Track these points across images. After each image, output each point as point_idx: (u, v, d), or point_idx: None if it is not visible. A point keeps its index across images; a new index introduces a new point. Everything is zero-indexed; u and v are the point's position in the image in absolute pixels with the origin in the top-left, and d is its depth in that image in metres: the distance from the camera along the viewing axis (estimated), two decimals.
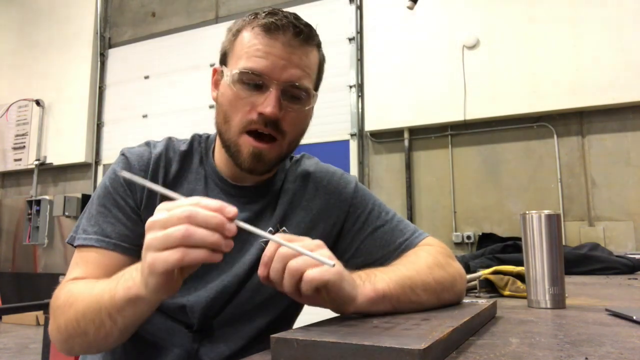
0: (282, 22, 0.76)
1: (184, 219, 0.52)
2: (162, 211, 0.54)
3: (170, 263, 0.52)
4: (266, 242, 0.85)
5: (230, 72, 0.78)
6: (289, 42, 0.77)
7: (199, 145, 0.90)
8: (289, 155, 0.88)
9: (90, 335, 0.66)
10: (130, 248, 0.78)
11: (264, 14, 0.79)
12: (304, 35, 0.78)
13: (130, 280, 0.60)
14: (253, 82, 0.77)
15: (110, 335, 0.65)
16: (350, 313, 0.62)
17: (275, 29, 0.76)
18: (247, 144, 0.78)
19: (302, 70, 0.78)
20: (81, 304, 0.66)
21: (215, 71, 0.86)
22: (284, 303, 0.87)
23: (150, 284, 0.55)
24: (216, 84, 0.86)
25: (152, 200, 0.83)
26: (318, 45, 0.84)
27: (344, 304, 0.61)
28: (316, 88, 0.86)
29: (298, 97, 0.79)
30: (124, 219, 0.80)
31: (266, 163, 0.79)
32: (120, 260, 0.77)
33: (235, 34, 0.82)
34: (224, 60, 0.83)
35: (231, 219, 0.54)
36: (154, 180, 0.83)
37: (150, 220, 0.54)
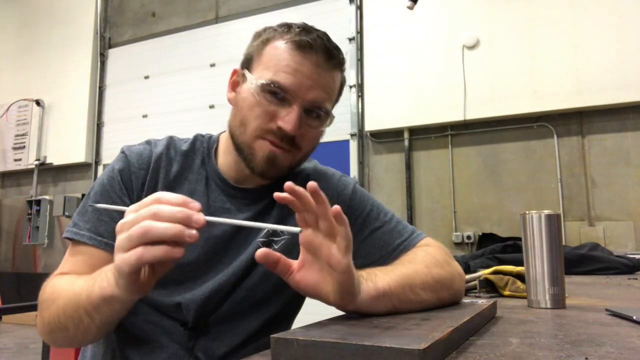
0: (315, 43, 0.78)
1: (149, 217, 0.52)
2: (130, 213, 0.55)
3: (132, 263, 0.52)
4: (263, 242, 0.86)
5: (255, 81, 0.78)
6: (319, 63, 0.78)
7: (201, 145, 0.90)
8: (299, 166, 0.89)
9: (70, 331, 0.68)
10: None
11: (298, 30, 0.80)
12: (335, 60, 0.80)
13: (105, 280, 0.60)
14: (277, 95, 0.78)
15: (88, 331, 0.67)
16: (351, 310, 0.62)
17: (308, 48, 0.78)
18: (264, 147, 0.79)
19: (326, 92, 0.80)
20: (62, 300, 0.68)
21: (235, 72, 0.86)
22: (280, 303, 0.88)
23: (121, 284, 0.56)
24: (234, 86, 0.86)
25: None
26: (342, 68, 0.85)
27: (347, 297, 0.60)
28: (332, 108, 0.87)
29: (318, 116, 0.81)
30: (117, 217, 0.79)
31: (279, 168, 0.81)
32: (110, 259, 0.77)
33: (264, 42, 0.82)
34: (247, 64, 0.84)
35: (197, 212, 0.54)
36: (154, 179, 0.84)
37: (120, 222, 0.55)
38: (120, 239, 0.54)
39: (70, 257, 0.79)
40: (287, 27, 0.81)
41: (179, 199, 0.54)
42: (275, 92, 0.77)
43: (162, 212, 0.52)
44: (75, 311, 0.65)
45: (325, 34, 0.81)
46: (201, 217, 0.53)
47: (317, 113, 0.81)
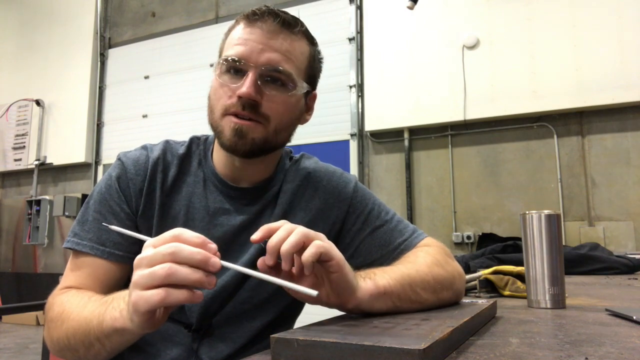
0: (261, 12, 0.78)
1: (168, 255, 0.52)
2: (148, 248, 0.54)
3: (152, 303, 0.52)
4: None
5: (215, 65, 0.80)
6: (268, 28, 0.78)
7: (197, 147, 0.90)
8: (280, 147, 0.87)
9: (81, 353, 0.68)
10: (124, 256, 0.79)
11: (250, 10, 0.80)
12: (283, 20, 0.78)
13: (117, 311, 0.60)
14: (233, 68, 0.78)
15: (99, 354, 0.66)
16: (351, 309, 0.62)
17: (255, 19, 0.78)
18: (229, 121, 0.78)
19: (282, 54, 0.78)
20: (72, 323, 0.68)
21: None
22: (283, 303, 0.88)
23: (135, 320, 0.55)
24: None
25: (149, 208, 0.83)
26: (308, 38, 0.84)
27: (344, 295, 0.60)
28: (311, 83, 0.85)
29: (283, 83, 0.79)
30: (120, 226, 0.79)
31: (248, 141, 0.78)
32: (113, 268, 0.78)
33: (226, 34, 0.84)
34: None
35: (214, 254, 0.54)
36: (152, 184, 0.84)
37: (137, 257, 0.54)
38: (140, 275, 0.53)
39: (74, 268, 0.79)
40: (242, 13, 0.82)
41: (198, 239, 0.54)
42: (232, 69, 0.78)
43: (183, 253, 0.52)
44: (85, 337, 0.65)
45: (280, 10, 0.81)
46: (217, 262, 0.53)
47: (281, 80, 0.79)
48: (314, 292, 0.53)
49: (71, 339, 0.67)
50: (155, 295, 0.51)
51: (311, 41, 0.84)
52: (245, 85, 0.75)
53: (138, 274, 0.53)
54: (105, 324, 0.61)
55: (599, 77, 3.50)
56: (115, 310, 0.60)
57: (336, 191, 0.91)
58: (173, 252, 0.52)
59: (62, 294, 0.75)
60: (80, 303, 0.70)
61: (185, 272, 0.51)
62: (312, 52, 0.84)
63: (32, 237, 5.54)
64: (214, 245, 0.55)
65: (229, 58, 0.77)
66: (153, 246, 0.54)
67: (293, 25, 0.80)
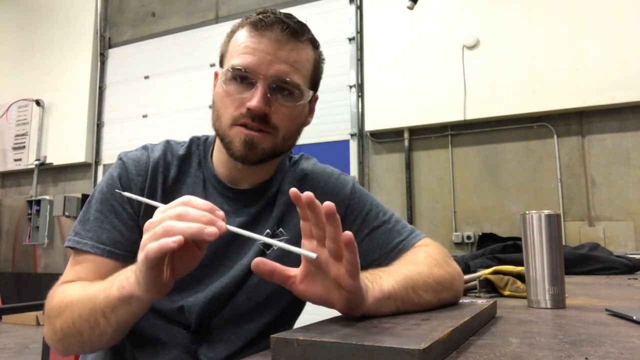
0: (269, 19, 0.77)
1: (175, 217, 0.54)
2: (158, 213, 0.57)
3: (155, 250, 0.53)
4: (263, 245, 0.86)
5: (221, 72, 0.80)
6: (276, 38, 0.77)
7: (197, 148, 0.90)
8: (286, 152, 0.87)
9: (85, 335, 0.68)
10: (123, 254, 0.79)
11: (255, 14, 0.80)
12: (291, 30, 0.78)
13: (125, 280, 0.61)
14: (241, 78, 0.77)
15: (104, 334, 0.66)
16: (358, 315, 0.61)
17: (262, 27, 0.77)
18: (239, 132, 0.78)
19: (290, 65, 0.78)
20: (76, 305, 0.68)
21: (216, 75, 0.87)
22: (281, 305, 0.88)
23: (142, 281, 0.57)
24: (215, 87, 0.87)
25: (151, 209, 0.82)
26: (313, 44, 0.84)
27: (354, 307, 0.59)
28: (314, 87, 0.85)
29: (290, 92, 0.79)
30: (119, 225, 0.80)
31: (259, 151, 0.79)
32: (113, 266, 0.78)
33: (229, 35, 0.83)
34: (221, 63, 0.84)
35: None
36: (153, 185, 0.84)
37: (147, 222, 0.56)
38: (145, 238, 0.55)
39: (74, 265, 0.79)
40: (247, 16, 0.81)
41: (206, 205, 0.55)
42: (239, 77, 0.77)
43: (188, 215, 0.54)
44: (91, 314, 0.65)
45: (285, 13, 0.80)
46: (223, 225, 0.54)
47: (288, 90, 0.79)
48: (312, 255, 0.53)
49: (76, 321, 0.67)
50: (154, 244, 0.53)
51: (315, 45, 0.85)
52: (256, 99, 0.75)
53: (144, 237, 0.55)
54: (112, 295, 0.62)
55: (599, 77, 3.50)
56: (123, 280, 0.62)
57: (334, 192, 0.91)
58: (179, 214, 0.54)
59: (62, 286, 0.75)
60: (83, 286, 0.71)
61: (183, 226, 0.53)
62: (316, 57, 0.85)
63: (32, 237, 5.54)
64: (221, 213, 0.56)
65: (237, 67, 0.77)
66: (162, 212, 0.56)
67: (300, 34, 0.80)
